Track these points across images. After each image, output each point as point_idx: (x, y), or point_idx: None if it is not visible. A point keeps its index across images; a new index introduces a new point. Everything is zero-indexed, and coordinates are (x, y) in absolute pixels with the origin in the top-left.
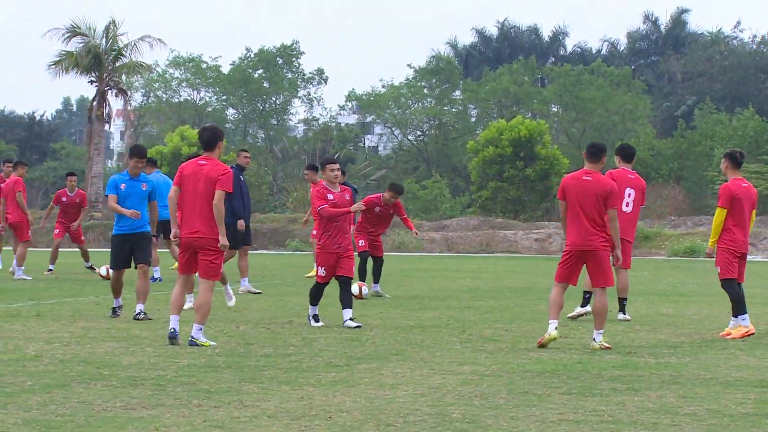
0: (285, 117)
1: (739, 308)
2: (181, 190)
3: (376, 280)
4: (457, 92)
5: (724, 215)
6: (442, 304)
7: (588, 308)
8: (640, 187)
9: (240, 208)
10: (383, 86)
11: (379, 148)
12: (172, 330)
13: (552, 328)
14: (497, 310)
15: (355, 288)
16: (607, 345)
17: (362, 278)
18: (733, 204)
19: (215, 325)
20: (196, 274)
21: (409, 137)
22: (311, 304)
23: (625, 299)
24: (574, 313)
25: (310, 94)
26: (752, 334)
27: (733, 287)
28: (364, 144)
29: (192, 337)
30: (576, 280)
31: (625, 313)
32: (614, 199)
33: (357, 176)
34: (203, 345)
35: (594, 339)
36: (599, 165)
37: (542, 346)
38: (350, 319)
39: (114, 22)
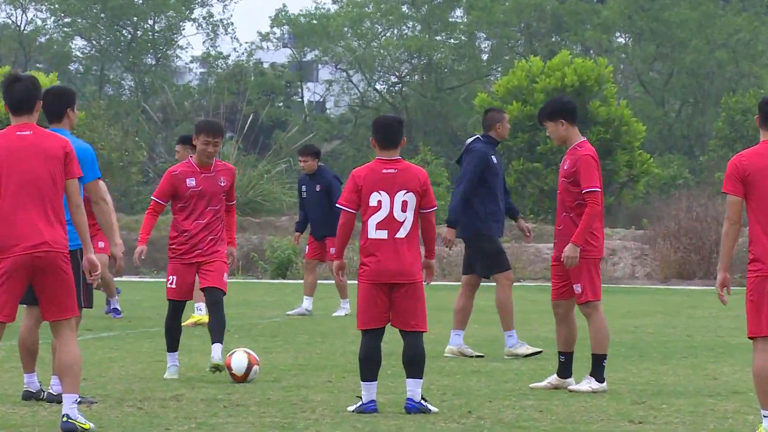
0: (169, 53)
1: None
2: None
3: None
4: (458, 12)
5: None
6: (432, 365)
7: (570, 380)
8: None
9: (500, 205)
10: (334, 1)
11: (328, 105)
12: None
13: None
14: (524, 376)
15: (238, 358)
16: None
17: None
18: None
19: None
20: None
21: (378, 86)
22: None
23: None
24: (543, 384)
25: (212, 16)
26: None
27: None
28: (303, 97)
29: (67, 417)
30: None
31: (602, 381)
32: None
33: (290, 151)
34: (83, 427)
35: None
36: None
37: None
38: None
39: None
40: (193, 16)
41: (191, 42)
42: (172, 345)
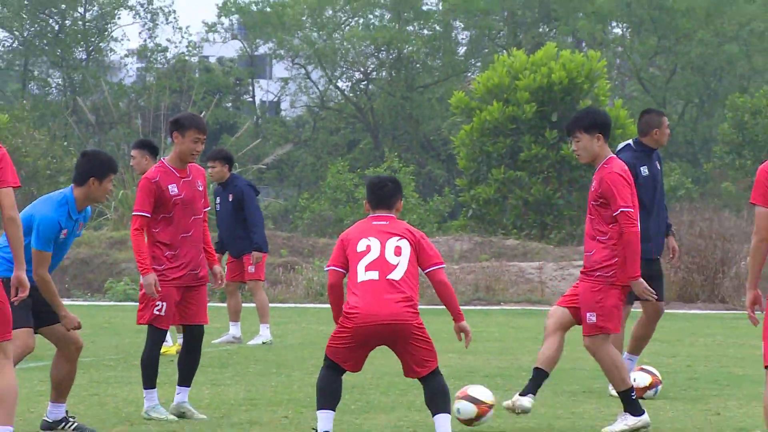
0: (102, 46)
1: None
2: None
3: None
4: None
5: None
6: (397, 402)
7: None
8: None
9: (650, 222)
10: None
11: (283, 106)
12: None
13: None
14: (505, 421)
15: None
16: None
17: None
18: None
19: None
20: None
21: (341, 84)
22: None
23: (633, 394)
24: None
25: (151, 3)
26: None
27: None
28: (254, 97)
29: None
30: None
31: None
32: None
33: (240, 157)
34: None
35: None
36: None
37: None
38: None
39: None
40: (129, 3)
41: (126, 33)
42: (153, 380)
